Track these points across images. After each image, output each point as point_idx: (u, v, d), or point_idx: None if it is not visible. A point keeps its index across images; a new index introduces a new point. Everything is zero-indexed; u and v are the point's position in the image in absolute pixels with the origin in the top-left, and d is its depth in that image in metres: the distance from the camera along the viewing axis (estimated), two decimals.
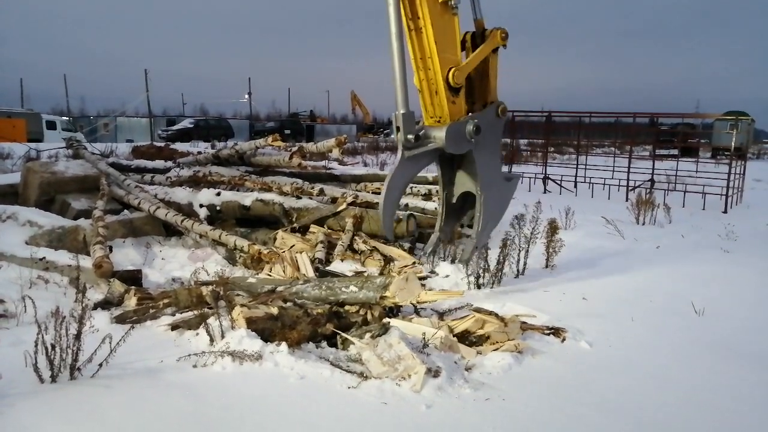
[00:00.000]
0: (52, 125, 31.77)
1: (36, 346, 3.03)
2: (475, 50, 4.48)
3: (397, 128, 3.93)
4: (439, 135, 4.09)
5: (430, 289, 5.07)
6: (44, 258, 5.31)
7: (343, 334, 3.72)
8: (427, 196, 7.86)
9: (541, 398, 3.11)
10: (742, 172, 12.36)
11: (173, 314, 4.26)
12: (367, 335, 3.71)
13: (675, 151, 18.63)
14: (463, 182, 4.56)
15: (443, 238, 5.20)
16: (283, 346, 3.52)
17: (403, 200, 6.95)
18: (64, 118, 38.03)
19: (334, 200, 7.29)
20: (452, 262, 5.87)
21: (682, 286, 5.29)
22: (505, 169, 15.06)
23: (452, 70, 4.18)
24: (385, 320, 3.92)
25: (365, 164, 17.63)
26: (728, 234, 7.81)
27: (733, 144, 12.24)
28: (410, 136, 3.91)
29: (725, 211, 10.65)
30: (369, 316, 4.06)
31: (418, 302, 4.08)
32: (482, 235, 4.69)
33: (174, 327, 3.96)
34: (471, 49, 4.50)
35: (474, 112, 4.47)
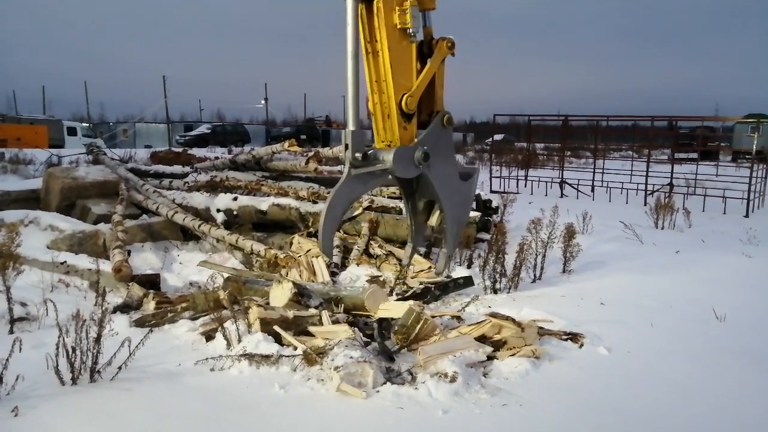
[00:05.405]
0: (72, 131, 32.38)
1: (57, 348, 3.09)
2: (423, 62, 4.46)
3: (346, 146, 4.00)
4: (387, 157, 4.17)
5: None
6: (65, 262, 5.40)
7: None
8: None
9: (559, 404, 3.08)
10: (764, 176, 12.15)
11: (191, 318, 4.30)
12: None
13: (694, 155, 18.42)
14: (424, 192, 4.60)
15: (418, 245, 5.17)
16: (299, 349, 3.53)
17: None
18: (85, 124, 38.71)
19: None
20: (468, 266, 5.87)
21: (703, 291, 5.20)
22: (521, 173, 15.02)
23: (405, 96, 4.22)
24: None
25: None
26: (750, 239, 7.68)
27: (754, 147, 12.05)
28: (358, 155, 3.96)
29: (747, 216, 10.47)
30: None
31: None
32: (452, 244, 4.70)
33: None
34: (418, 58, 4.44)
35: (420, 122, 4.45)
